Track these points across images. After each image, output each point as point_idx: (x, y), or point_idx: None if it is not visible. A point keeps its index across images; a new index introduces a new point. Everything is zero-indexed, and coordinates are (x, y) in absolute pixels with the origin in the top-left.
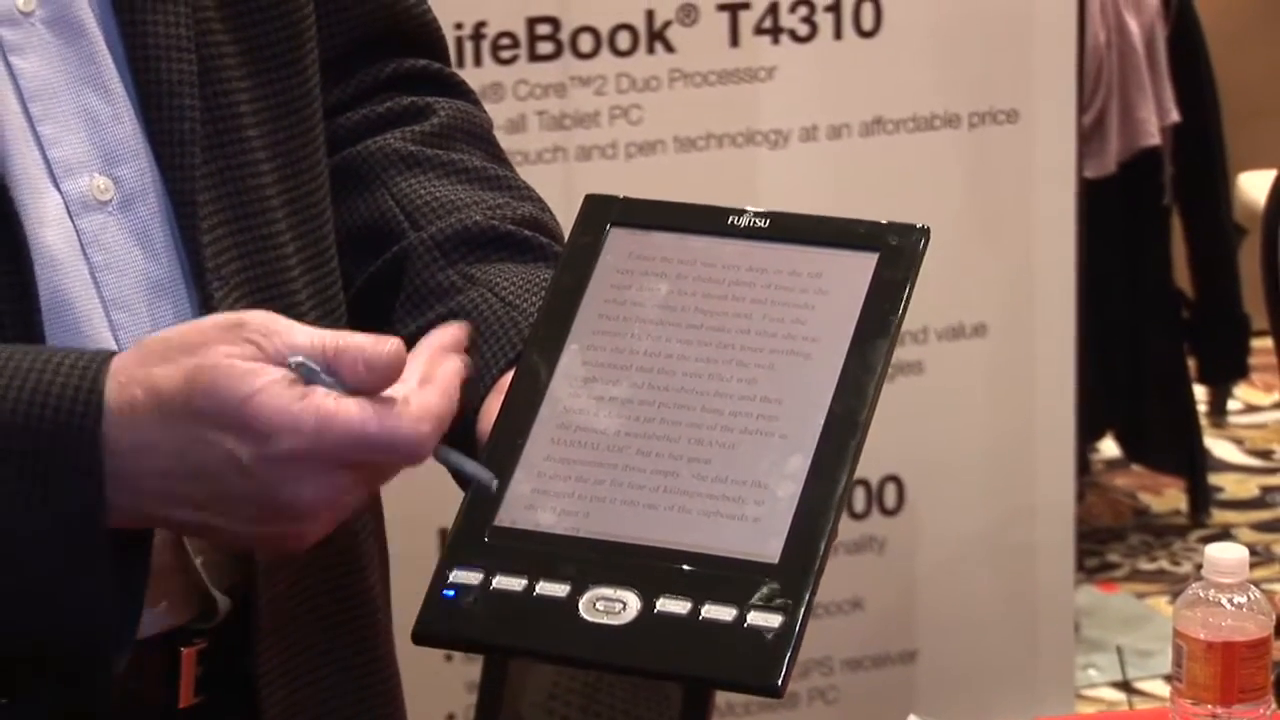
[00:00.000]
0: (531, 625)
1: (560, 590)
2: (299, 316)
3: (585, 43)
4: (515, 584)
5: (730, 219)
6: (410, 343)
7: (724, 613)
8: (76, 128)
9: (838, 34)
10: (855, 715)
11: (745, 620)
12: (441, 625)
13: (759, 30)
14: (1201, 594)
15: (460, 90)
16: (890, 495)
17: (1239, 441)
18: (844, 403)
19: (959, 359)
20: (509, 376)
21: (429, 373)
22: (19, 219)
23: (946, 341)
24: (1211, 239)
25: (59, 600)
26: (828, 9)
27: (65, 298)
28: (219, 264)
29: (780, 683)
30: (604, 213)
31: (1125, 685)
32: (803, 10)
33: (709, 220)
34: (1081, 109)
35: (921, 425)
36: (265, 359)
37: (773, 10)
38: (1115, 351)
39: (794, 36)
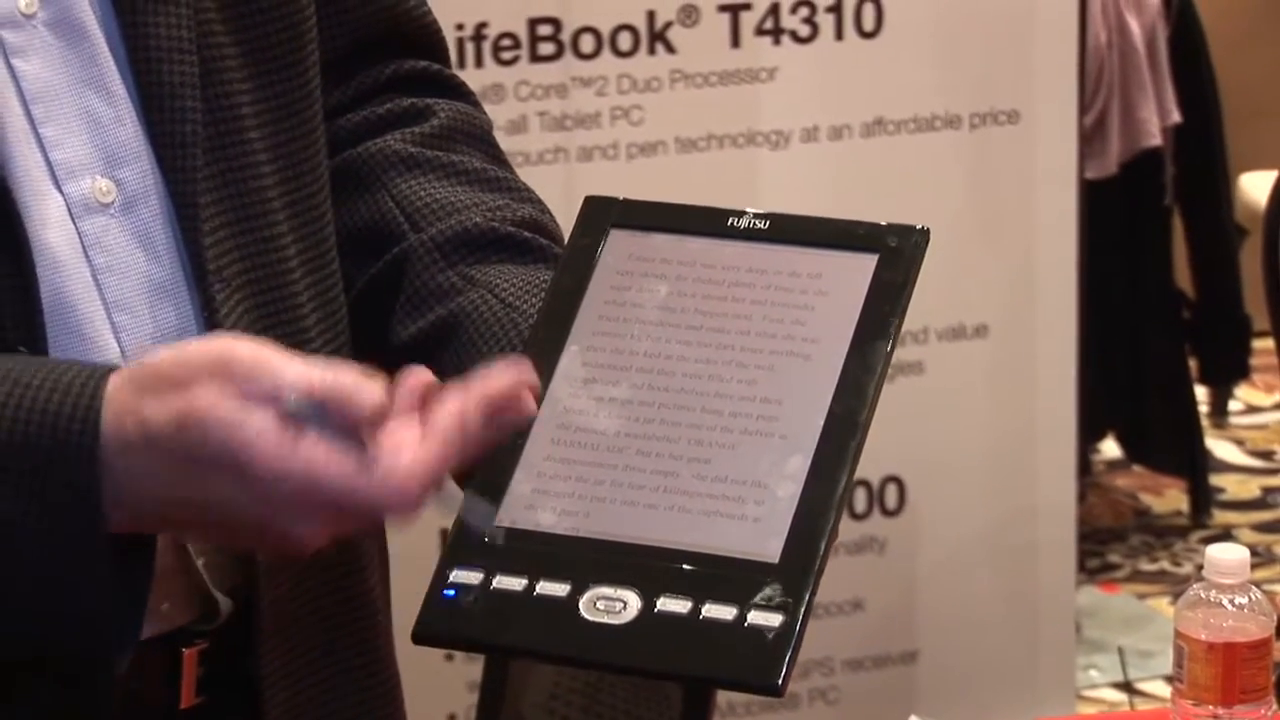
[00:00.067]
0: (532, 625)
1: (560, 590)
2: (300, 318)
3: (586, 43)
4: (515, 584)
5: (730, 220)
6: (411, 343)
7: (724, 612)
8: (78, 130)
9: (839, 35)
10: (856, 716)
11: (746, 620)
12: (442, 625)
13: (760, 31)
14: (1203, 595)
15: (460, 92)
16: (891, 496)
17: (1240, 442)
18: (844, 403)
19: (960, 359)
20: None
21: (437, 419)
22: (21, 221)
23: (947, 342)
24: (1212, 240)
25: (60, 604)
26: (829, 10)
27: (67, 300)
28: (220, 266)
29: (781, 682)
30: (604, 214)
31: (1126, 686)
32: (804, 11)
33: (709, 222)
34: (1082, 110)
35: (922, 426)
36: (253, 401)
37: (774, 11)
38: (1116, 352)
39: (795, 37)
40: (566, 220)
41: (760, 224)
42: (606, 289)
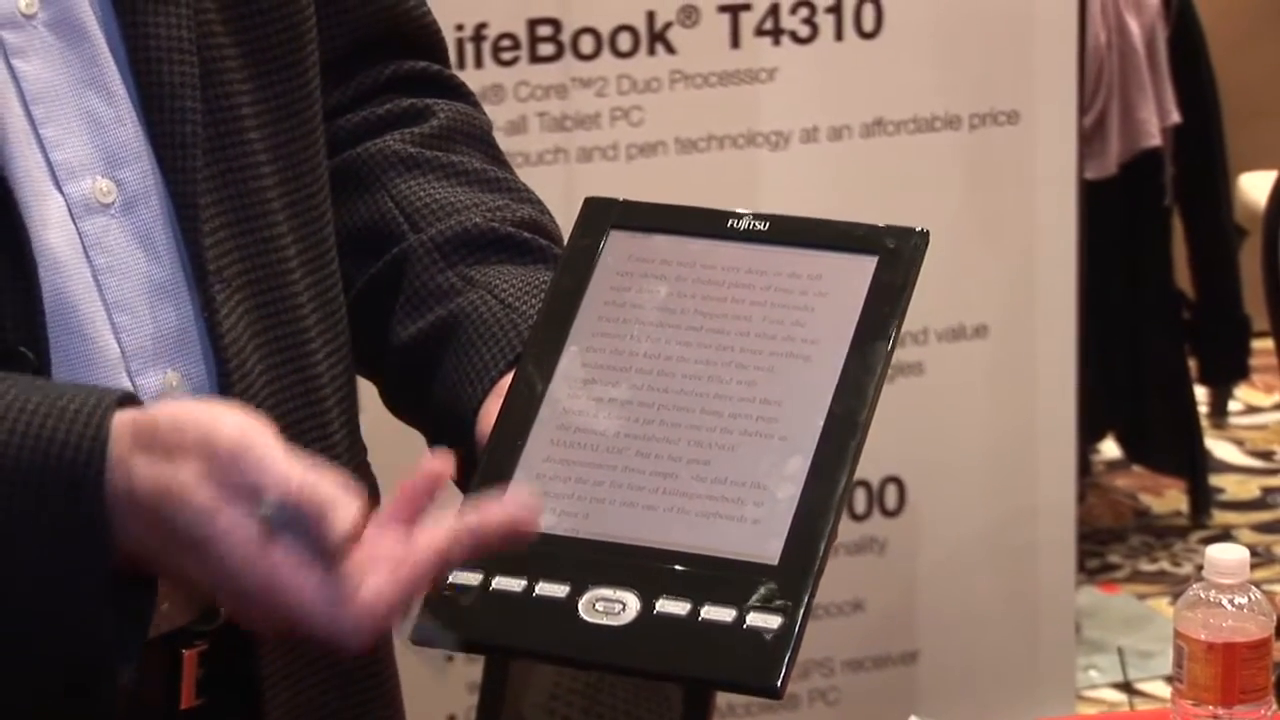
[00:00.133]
0: (531, 626)
1: (560, 591)
2: (300, 318)
3: (586, 44)
4: (515, 585)
5: (730, 222)
6: (410, 343)
7: (723, 614)
8: (78, 130)
9: (839, 35)
10: (856, 716)
11: (745, 621)
12: (441, 626)
13: (760, 31)
14: (1202, 595)
15: (460, 92)
16: (891, 496)
17: (1240, 442)
18: (844, 404)
19: (960, 360)
20: (508, 379)
21: (420, 546)
22: (22, 221)
23: (947, 342)
24: (1212, 240)
25: (64, 620)
26: (828, 10)
27: (68, 300)
28: (220, 266)
29: (780, 683)
30: (604, 215)
31: (1126, 686)
32: (803, 11)
33: (708, 223)
34: (1082, 110)
35: (922, 426)
36: (230, 492)
37: (773, 11)
38: (1116, 352)
39: (795, 38)
40: (566, 221)
41: (760, 225)
42: (606, 290)
